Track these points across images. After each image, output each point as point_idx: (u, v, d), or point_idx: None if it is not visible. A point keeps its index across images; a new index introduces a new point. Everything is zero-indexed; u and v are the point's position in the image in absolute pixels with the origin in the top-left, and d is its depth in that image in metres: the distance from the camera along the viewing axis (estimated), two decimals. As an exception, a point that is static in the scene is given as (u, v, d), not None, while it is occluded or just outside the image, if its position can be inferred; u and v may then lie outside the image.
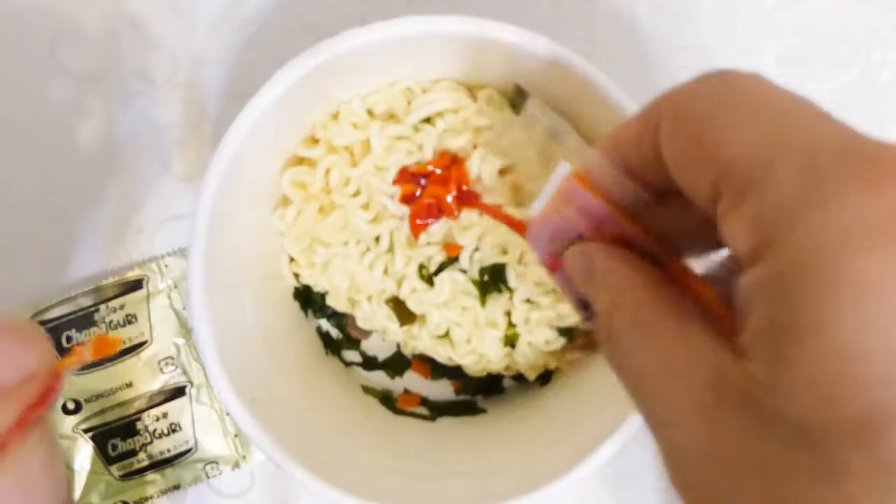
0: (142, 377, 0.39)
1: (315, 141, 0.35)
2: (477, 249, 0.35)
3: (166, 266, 0.39)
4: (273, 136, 0.33)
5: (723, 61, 0.40)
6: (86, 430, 0.38)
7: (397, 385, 0.40)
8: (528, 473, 0.33)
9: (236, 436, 0.39)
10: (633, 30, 0.40)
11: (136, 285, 0.39)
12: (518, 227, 0.30)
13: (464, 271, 0.35)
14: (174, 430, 0.39)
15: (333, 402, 0.37)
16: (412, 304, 0.36)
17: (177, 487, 0.39)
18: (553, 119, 0.29)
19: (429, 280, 0.35)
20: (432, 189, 0.34)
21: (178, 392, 0.39)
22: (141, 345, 0.39)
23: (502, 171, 0.34)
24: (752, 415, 0.16)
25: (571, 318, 0.36)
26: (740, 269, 0.17)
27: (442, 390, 0.40)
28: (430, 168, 0.34)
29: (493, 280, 0.35)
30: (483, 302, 0.35)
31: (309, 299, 0.39)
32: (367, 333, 0.39)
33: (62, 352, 0.38)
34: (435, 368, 0.39)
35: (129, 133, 0.40)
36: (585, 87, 0.31)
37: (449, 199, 0.34)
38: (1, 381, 0.22)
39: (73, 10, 0.40)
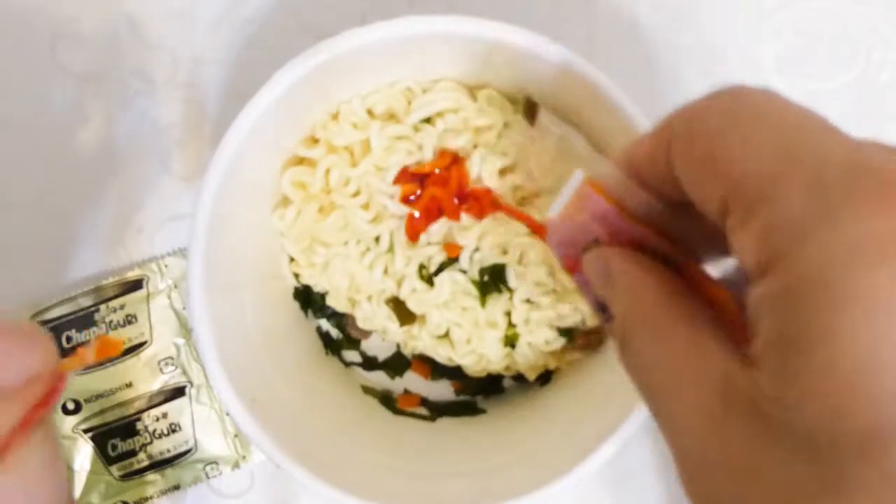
0: (142, 377, 0.39)
1: (315, 141, 0.35)
2: (477, 249, 0.35)
3: (166, 266, 0.39)
4: (273, 136, 0.33)
5: (723, 61, 0.40)
6: (86, 431, 0.38)
7: (397, 385, 0.40)
8: (528, 473, 0.33)
9: (236, 436, 0.39)
10: (633, 30, 0.40)
11: (136, 285, 0.39)
12: (539, 230, 0.31)
13: (464, 271, 0.35)
14: (174, 431, 0.39)
15: (333, 402, 0.37)
16: (412, 305, 0.36)
17: (177, 487, 0.39)
18: (565, 130, 0.29)
19: (429, 280, 0.35)
20: (432, 189, 0.34)
21: (178, 392, 0.39)
22: (141, 345, 0.39)
23: (502, 171, 0.34)
24: (760, 424, 0.16)
25: (571, 318, 0.36)
26: (749, 281, 0.17)
27: (442, 390, 0.40)
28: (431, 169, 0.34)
29: (493, 280, 0.35)
30: (483, 302, 0.35)
31: (309, 299, 0.39)
32: (367, 333, 0.39)
33: (62, 352, 0.38)
34: (435, 369, 0.39)
35: (129, 133, 0.40)
36: (586, 86, 0.31)
37: (460, 208, 0.34)
38: (4, 381, 0.23)
39: (72, 11, 0.40)
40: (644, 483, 0.40)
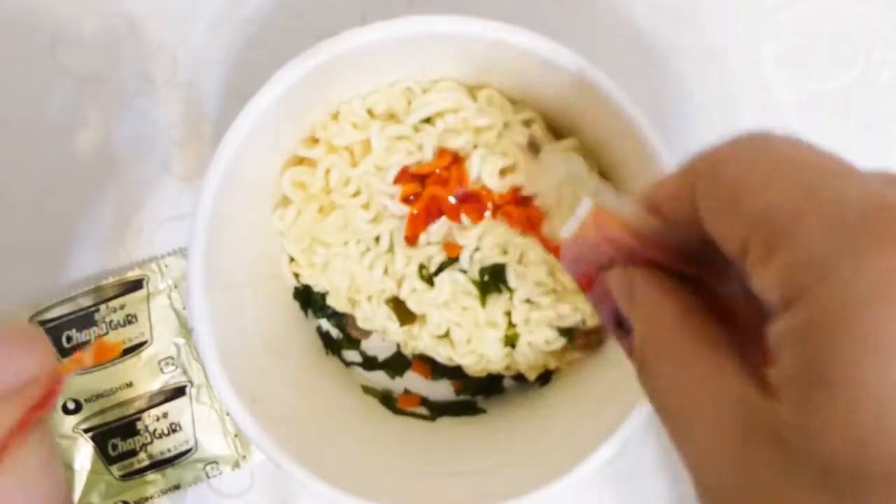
0: (142, 377, 0.39)
1: (315, 141, 0.35)
2: (477, 249, 0.35)
3: (166, 266, 0.39)
4: (273, 136, 0.33)
5: (723, 61, 0.40)
6: (86, 430, 0.38)
7: (397, 385, 0.40)
8: (528, 473, 0.33)
9: (236, 436, 0.39)
10: (634, 30, 0.40)
11: (136, 285, 0.39)
12: (553, 249, 0.32)
13: (464, 271, 0.35)
14: (174, 430, 0.39)
15: (333, 402, 0.37)
16: (412, 304, 0.36)
17: (177, 487, 0.39)
18: (571, 162, 0.29)
19: (429, 280, 0.35)
20: (432, 189, 0.34)
21: (178, 392, 0.39)
22: (141, 345, 0.39)
23: (502, 171, 0.34)
24: (780, 453, 0.17)
25: (571, 318, 0.36)
26: (771, 314, 0.18)
27: (442, 390, 0.40)
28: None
29: (493, 280, 0.35)
30: (483, 302, 0.35)
31: (309, 299, 0.39)
32: (367, 333, 0.39)
33: (62, 351, 0.38)
34: (435, 368, 0.39)
35: (129, 133, 0.40)
36: (586, 87, 0.31)
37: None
38: (2, 383, 0.23)
39: (72, 11, 0.40)
40: (644, 482, 0.40)
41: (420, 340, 0.37)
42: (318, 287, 0.38)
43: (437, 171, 0.34)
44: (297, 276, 0.37)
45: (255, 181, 0.34)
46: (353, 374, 0.40)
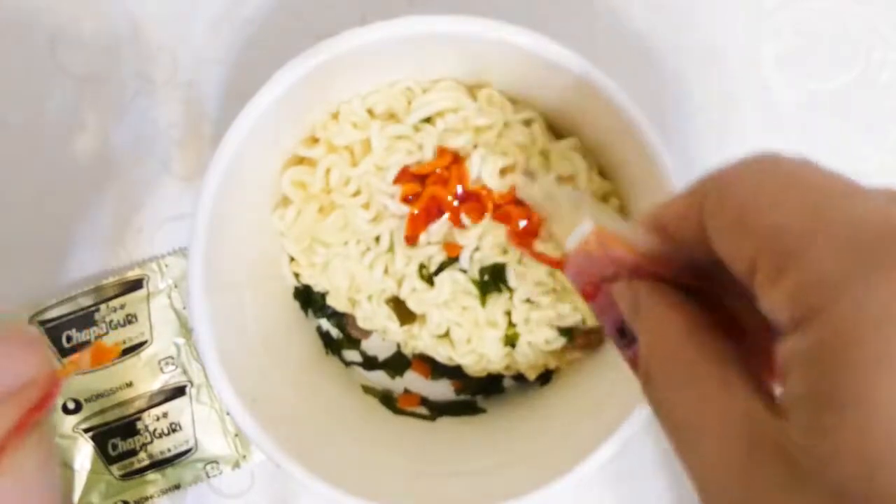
0: (142, 377, 0.39)
1: (315, 141, 0.35)
2: (477, 249, 0.35)
3: (166, 266, 0.39)
4: (273, 136, 0.33)
5: (723, 61, 0.40)
6: (86, 430, 0.38)
7: (397, 385, 0.40)
8: (528, 473, 0.33)
9: (236, 436, 0.39)
10: (634, 30, 0.40)
11: (136, 285, 0.39)
12: (556, 264, 0.32)
13: (464, 271, 0.35)
14: (174, 430, 0.39)
15: (334, 402, 0.37)
16: (412, 304, 0.36)
17: (177, 487, 0.39)
18: (568, 192, 0.30)
19: (429, 280, 0.35)
20: (432, 189, 0.34)
21: (178, 392, 0.39)
22: (141, 345, 0.39)
23: (502, 171, 0.34)
24: (786, 470, 0.17)
25: (571, 318, 0.36)
26: (780, 334, 0.18)
27: (442, 390, 0.40)
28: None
29: (493, 280, 0.35)
30: (483, 302, 0.35)
31: (309, 299, 0.39)
32: (367, 333, 0.39)
33: (62, 351, 0.38)
34: (435, 368, 0.39)
35: (129, 133, 0.40)
36: (587, 86, 0.31)
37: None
38: (1, 386, 0.23)
39: (72, 11, 0.40)
40: (644, 482, 0.40)
41: (420, 340, 0.37)
42: (318, 287, 0.38)
43: (437, 170, 0.34)
44: (297, 276, 0.37)
45: (255, 181, 0.34)
46: (353, 374, 0.40)
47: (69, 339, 0.38)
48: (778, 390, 0.18)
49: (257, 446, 0.32)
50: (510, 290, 0.35)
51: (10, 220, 0.39)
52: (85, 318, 0.38)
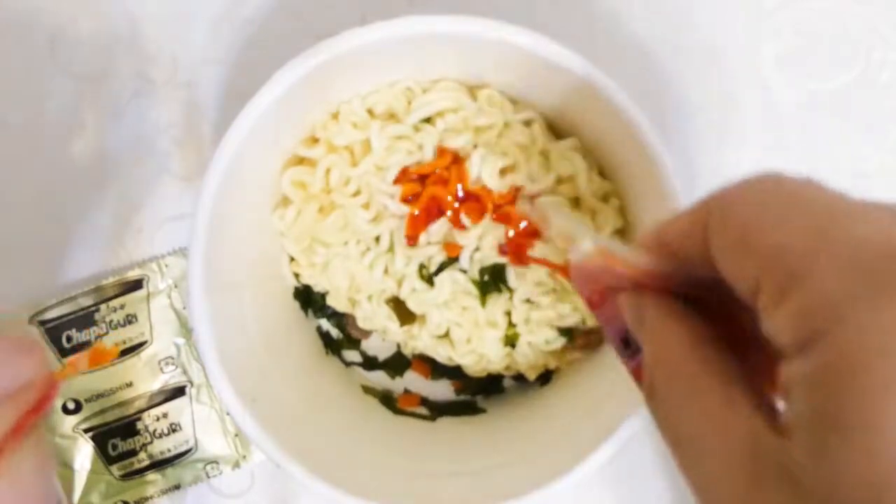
0: (142, 377, 0.39)
1: (315, 141, 0.35)
2: (477, 249, 0.35)
3: (166, 266, 0.39)
4: (273, 136, 0.33)
5: (723, 61, 0.40)
6: (86, 430, 0.38)
7: (397, 385, 0.40)
8: (528, 473, 0.33)
9: (236, 436, 0.39)
10: (634, 30, 0.40)
11: (136, 285, 0.39)
12: (563, 271, 0.32)
13: (464, 271, 0.35)
14: (174, 430, 0.39)
15: (334, 402, 0.37)
16: (412, 304, 0.36)
17: (177, 487, 0.39)
18: (565, 218, 0.30)
19: (429, 280, 0.35)
20: (432, 189, 0.34)
21: (178, 392, 0.39)
22: (141, 345, 0.39)
23: (502, 171, 0.34)
24: (791, 491, 0.17)
25: (571, 318, 0.36)
26: (783, 356, 0.18)
27: (442, 390, 0.40)
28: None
29: (493, 280, 0.35)
30: (483, 302, 0.35)
31: (309, 299, 0.39)
32: (367, 333, 0.39)
33: (63, 351, 0.38)
34: (435, 368, 0.39)
35: (129, 133, 0.40)
36: (586, 86, 0.31)
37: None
38: None
39: (72, 11, 0.40)
40: (644, 482, 0.40)
41: (420, 340, 0.37)
42: (318, 287, 0.38)
43: (437, 171, 0.34)
44: (297, 276, 0.37)
45: (255, 181, 0.34)
46: (353, 374, 0.40)
47: (69, 339, 0.38)
48: (780, 404, 0.18)
49: (257, 446, 0.32)
50: (510, 290, 0.35)
51: (10, 220, 0.39)
52: (85, 319, 0.38)
